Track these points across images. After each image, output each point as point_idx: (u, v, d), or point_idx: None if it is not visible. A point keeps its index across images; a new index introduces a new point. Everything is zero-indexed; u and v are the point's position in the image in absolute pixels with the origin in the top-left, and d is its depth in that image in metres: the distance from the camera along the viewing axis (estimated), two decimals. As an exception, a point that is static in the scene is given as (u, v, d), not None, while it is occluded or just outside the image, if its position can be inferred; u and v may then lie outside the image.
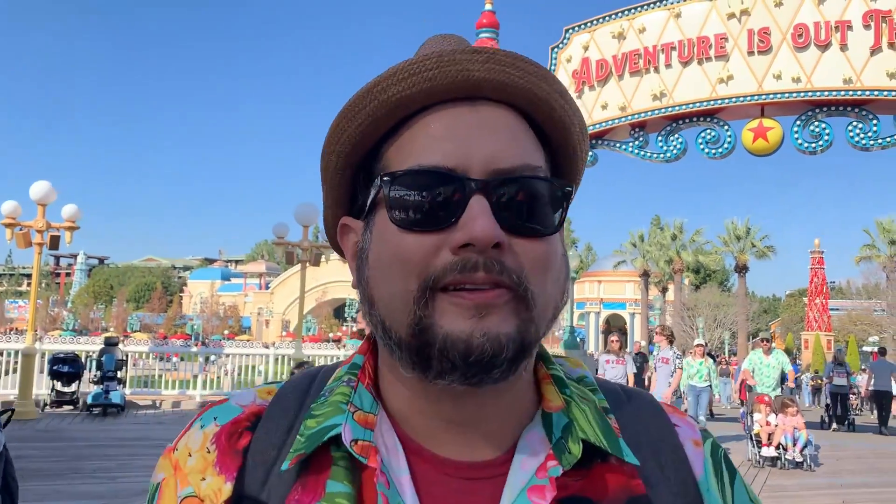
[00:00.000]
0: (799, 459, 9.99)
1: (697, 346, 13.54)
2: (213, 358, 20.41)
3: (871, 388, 17.65)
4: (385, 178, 0.64)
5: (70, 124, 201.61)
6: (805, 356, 48.17)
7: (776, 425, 10.39)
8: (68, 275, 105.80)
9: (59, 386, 13.91)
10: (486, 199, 0.61)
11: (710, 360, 13.19)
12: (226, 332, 67.19)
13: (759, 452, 10.33)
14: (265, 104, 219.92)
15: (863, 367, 31.90)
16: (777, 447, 10.17)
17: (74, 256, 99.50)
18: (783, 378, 12.97)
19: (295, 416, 0.68)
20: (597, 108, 13.11)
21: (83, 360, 14.77)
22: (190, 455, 0.68)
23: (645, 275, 51.24)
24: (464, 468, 0.66)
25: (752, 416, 10.90)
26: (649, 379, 18.39)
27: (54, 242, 13.24)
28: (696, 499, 0.69)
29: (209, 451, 0.67)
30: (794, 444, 10.06)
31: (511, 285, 0.60)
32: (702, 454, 0.73)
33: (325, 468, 0.64)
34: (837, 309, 57.23)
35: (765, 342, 12.99)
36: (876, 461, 11.37)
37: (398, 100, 0.65)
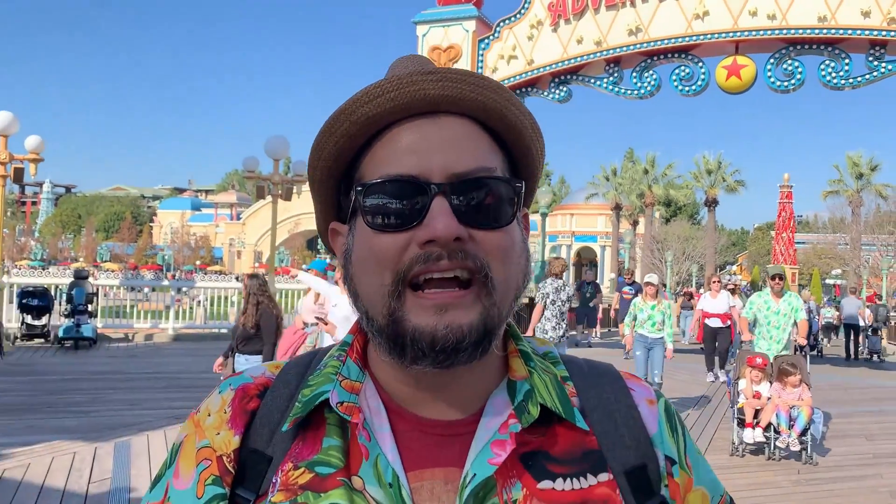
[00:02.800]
0: (795, 448, 7.22)
1: (647, 284, 9.82)
2: (184, 288, 20.36)
3: (844, 320, 19.97)
4: (359, 189, 0.74)
5: (34, 52, 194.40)
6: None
7: (768, 398, 7.60)
8: (34, 203, 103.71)
9: (29, 319, 13.85)
10: (446, 200, 0.70)
11: (666, 303, 9.88)
12: (197, 262, 66.78)
13: (740, 435, 7.49)
14: (237, 31, 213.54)
15: (827, 300, 32.83)
16: (767, 429, 7.37)
17: (40, 185, 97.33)
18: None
19: (296, 386, 0.79)
20: (572, 42, 12.95)
21: (53, 293, 14.68)
22: (209, 415, 0.80)
23: (617, 208, 51.55)
24: (439, 426, 0.76)
25: (738, 384, 7.98)
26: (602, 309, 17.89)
27: (18, 175, 12.95)
28: (648, 451, 0.79)
29: (226, 412, 0.79)
30: (791, 427, 7.25)
31: (474, 269, 0.70)
32: (656, 412, 0.83)
33: (321, 427, 0.76)
34: (803, 242, 58.28)
35: (776, 280, 8.92)
36: (831, 393, 11.81)
37: (367, 119, 0.74)
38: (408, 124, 0.74)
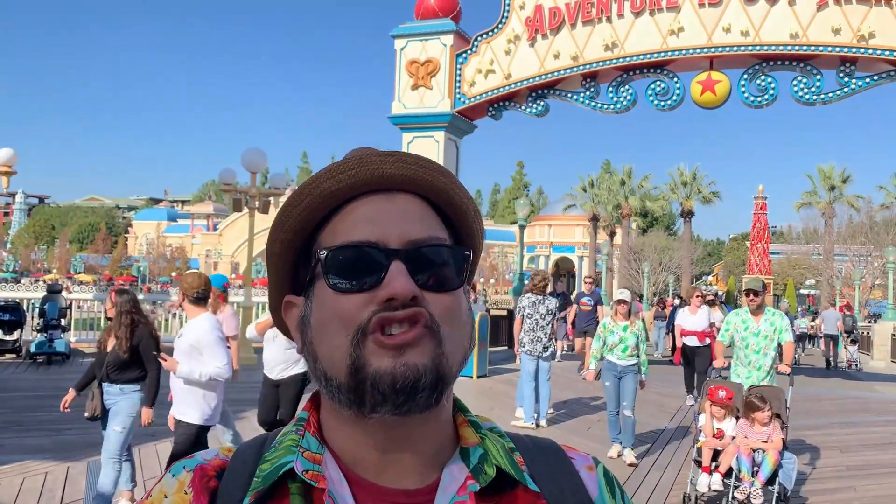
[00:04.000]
0: (757, 500, 5.92)
1: (619, 302, 8.16)
2: (159, 301, 20.12)
3: (823, 332, 21.42)
4: (323, 255, 0.78)
5: (6, 61, 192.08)
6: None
7: (733, 438, 6.31)
8: (6, 214, 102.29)
9: (0, 334, 13.62)
10: (402, 264, 0.76)
11: (640, 324, 8.18)
12: (173, 273, 66.14)
13: (694, 481, 6.30)
14: (214, 42, 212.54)
15: (801, 311, 33.35)
16: (728, 474, 6.14)
17: (13, 196, 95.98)
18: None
19: (253, 464, 0.80)
20: (549, 57, 13.05)
21: (25, 307, 14.46)
22: (166, 497, 0.79)
23: (594, 219, 51.88)
24: (400, 494, 0.78)
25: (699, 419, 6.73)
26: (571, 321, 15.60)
27: (-10, 187, 12.76)
28: None
29: (186, 493, 0.79)
30: (755, 475, 6.02)
31: (427, 322, 0.75)
32: (595, 477, 0.87)
33: (284, 499, 0.76)
34: (778, 253, 59.01)
35: (751, 296, 7.27)
36: (805, 404, 11.93)
37: (329, 193, 0.80)
38: (366, 199, 0.81)
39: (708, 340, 11.41)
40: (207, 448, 4.80)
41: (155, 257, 71.06)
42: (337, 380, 0.76)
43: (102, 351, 5.79)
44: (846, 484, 7.12)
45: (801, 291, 56.73)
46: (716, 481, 6.15)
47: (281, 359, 6.68)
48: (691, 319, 11.86)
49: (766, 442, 6.18)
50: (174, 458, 5.20)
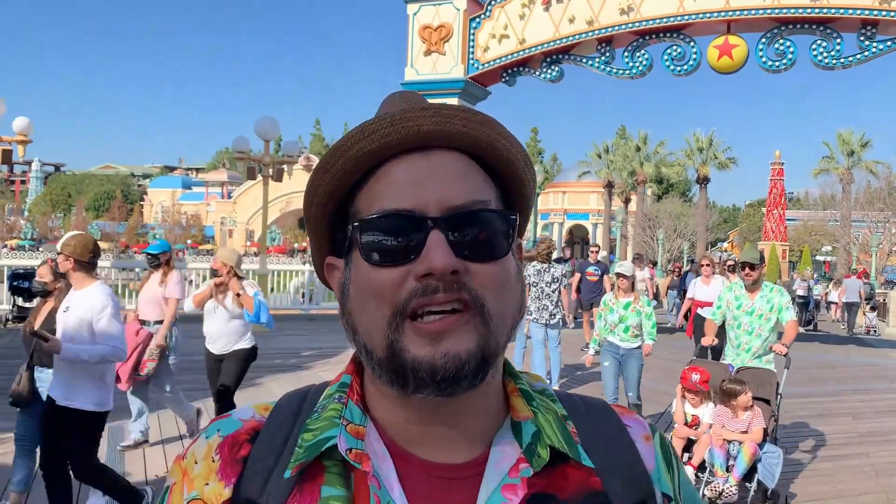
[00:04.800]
0: (731, 497, 5.28)
1: (619, 276, 7.38)
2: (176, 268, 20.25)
3: (844, 300, 21.86)
4: (355, 225, 0.75)
5: (22, 32, 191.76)
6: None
7: (709, 426, 5.70)
8: (23, 182, 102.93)
9: (20, 302, 13.80)
10: (441, 234, 0.71)
11: (645, 300, 7.36)
12: (189, 241, 66.59)
13: None
14: (227, 8, 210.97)
15: (816, 277, 33.30)
16: (701, 468, 5.56)
17: (29, 164, 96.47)
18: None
19: (290, 429, 0.78)
20: (564, 21, 12.88)
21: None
22: (196, 462, 0.78)
23: (609, 186, 51.56)
24: (445, 469, 0.76)
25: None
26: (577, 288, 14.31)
27: (6, 156, 12.87)
28: (647, 488, 0.79)
29: (213, 460, 0.78)
30: (729, 469, 5.41)
31: (469, 301, 0.71)
32: (653, 448, 0.83)
33: (318, 476, 0.74)
34: (794, 219, 58.50)
35: (746, 269, 6.44)
36: (819, 371, 11.95)
37: (361, 155, 0.75)
38: (402, 160, 0.75)
39: None
40: (98, 438, 4.40)
41: (170, 225, 71.43)
42: (377, 356, 0.73)
43: (31, 330, 4.75)
44: (858, 451, 7.15)
45: (818, 258, 56.30)
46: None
47: (224, 331, 6.19)
48: (704, 290, 11.05)
49: (744, 433, 5.43)
50: (70, 454, 4.46)
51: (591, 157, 53.83)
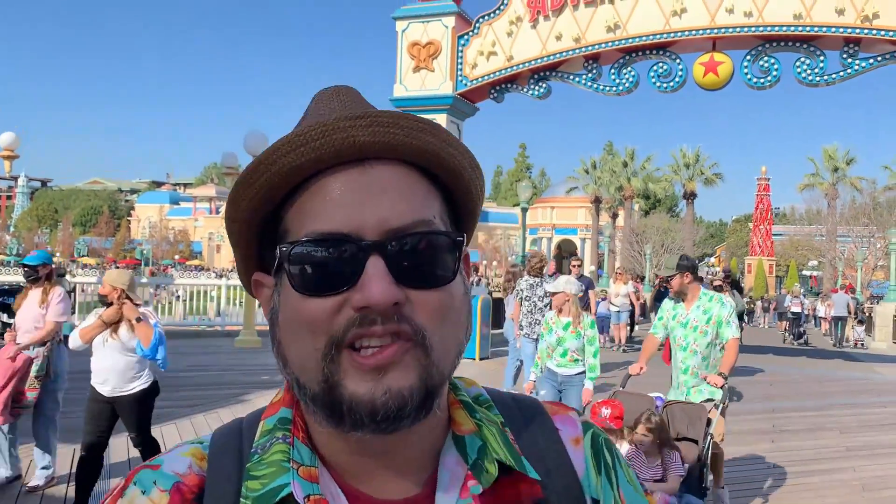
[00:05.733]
0: None
1: (556, 295, 6.49)
2: (162, 284, 20.21)
3: (832, 315, 23.06)
4: (283, 249, 0.67)
5: (8, 45, 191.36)
6: (748, 280, 49.81)
7: None
8: (9, 198, 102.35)
9: (5, 318, 13.67)
10: (381, 259, 0.64)
11: (588, 321, 6.36)
12: (176, 256, 66.32)
13: None
14: (216, 23, 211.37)
15: (804, 291, 33.70)
16: None
17: (15, 179, 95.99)
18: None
19: (238, 480, 0.70)
20: (551, 38, 13.00)
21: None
22: None
23: (596, 201, 51.80)
24: None
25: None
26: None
27: (-7, 172, 12.79)
28: (579, 496, 0.76)
29: None
30: None
31: (410, 335, 0.64)
32: (582, 452, 0.79)
33: None
34: (781, 234, 58.99)
35: (681, 276, 5.58)
36: (807, 385, 12.00)
37: (289, 169, 0.67)
38: (336, 174, 0.67)
39: None
40: None
41: (158, 240, 71.15)
42: (311, 390, 0.66)
43: None
44: (846, 465, 7.17)
45: (804, 273, 56.69)
46: None
47: (116, 368, 5.15)
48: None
49: (658, 481, 4.69)
50: None
51: (578, 173, 54.10)
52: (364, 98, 0.77)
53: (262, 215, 0.71)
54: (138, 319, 5.11)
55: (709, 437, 5.01)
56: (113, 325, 5.14)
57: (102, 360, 5.18)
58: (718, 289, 11.66)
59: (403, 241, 0.66)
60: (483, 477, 0.70)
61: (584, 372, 6.27)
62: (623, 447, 4.79)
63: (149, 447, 5.35)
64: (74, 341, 5.25)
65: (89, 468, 5.14)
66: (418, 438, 0.71)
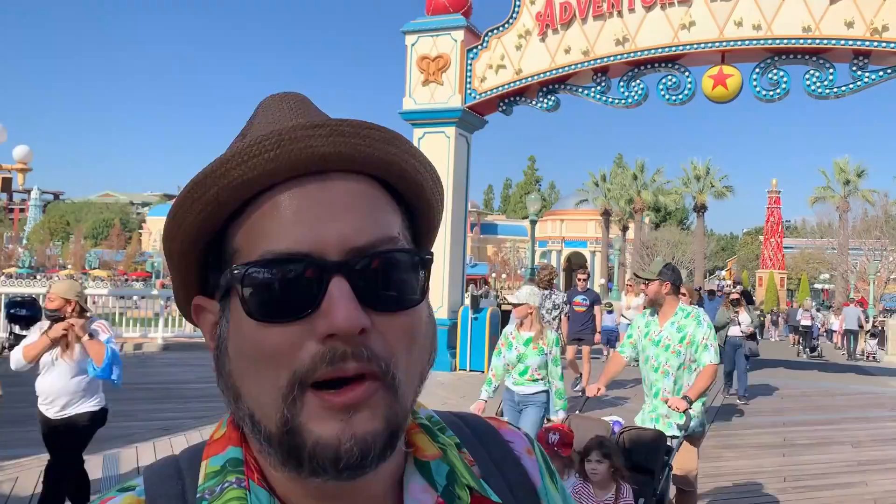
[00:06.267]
0: None
1: (519, 306, 5.83)
2: (172, 297, 20.24)
3: (844, 328, 23.83)
4: (236, 271, 0.61)
5: (22, 60, 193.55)
6: (759, 293, 49.56)
7: None
8: (22, 210, 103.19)
9: (17, 329, 13.74)
10: (346, 281, 0.59)
11: (553, 337, 5.79)
12: (187, 269, 66.39)
13: None
14: (226, 37, 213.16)
15: (828, 305, 33.70)
16: None
17: (28, 192, 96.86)
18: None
19: None
20: (560, 51, 13.04)
21: (41, 302, 14.61)
22: None
23: (606, 213, 51.78)
24: None
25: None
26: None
27: (6, 184, 12.94)
28: None
29: None
30: None
31: (378, 374, 0.59)
32: (535, 461, 0.77)
33: None
34: (792, 247, 58.71)
35: (648, 286, 5.19)
36: (818, 399, 11.92)
37: (241, 183, 0.61)
38: (292, 188, 0.61)
39: None
40: None
41: (168, 253, 71.35)
42: (267, 430, 0.60)
43: None
44: (858, 479, 7.11)
45: (816, 286, 56.37)
46: None
47: (65, 389, 4.76)
48: None
49: None
50: None
51: (588, 186, 54.11)
52: (315, 105, 0.71)
53: (207, 234, 0.64)
54: (90, 335, 4.62)
55: (666, 470, 4.52)
56: (60, 342, 4.67)
57: (50, 379, 4.75)
58: (735, 303, 11.44)
59: (368, 261, 0.60)
60: None
61: (544, 391, 5.72)
62: (569, 480, 4.26)
63: (76, 480, 4.93)
64: (17, 361, 4.80)
65: (55, 476, 4.83)
66: (380, 473, 0.64)
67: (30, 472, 6.27)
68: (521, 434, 0.79)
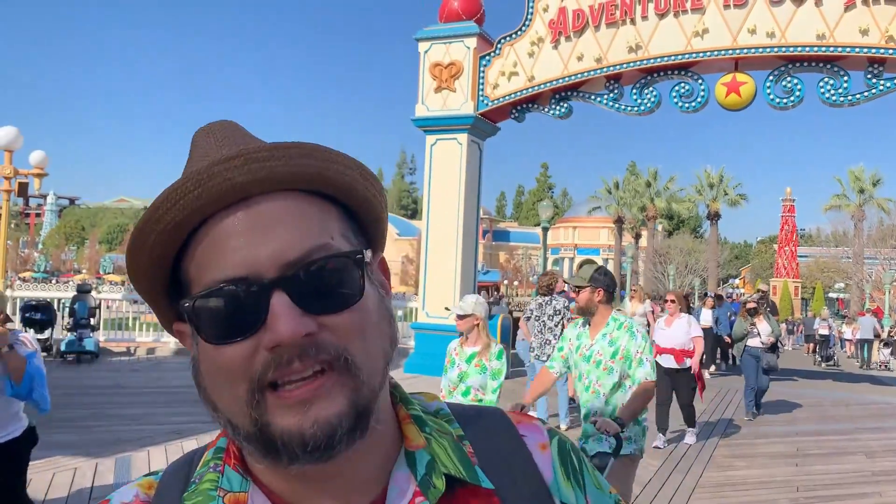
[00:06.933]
0: None
1: (462, 318, 5.06)
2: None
3: (857, 338, 24.65)
4: (186, 305, 0.67)
5: (38, 66, 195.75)
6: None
7: None
8: (38, 215, 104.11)
9: (31, 333, 13.89)
10: (285, 294, 0.64)
11: (496, 350, 5.00)
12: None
13: None
14: (240, 42, 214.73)
15: (842, 315, 33.62)
16: None
17: (44, 197, 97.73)
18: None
19: None
20: (572, 59, 13.05)
21: (56, 306, 14.74)
22: None
23: (619, 221, 51.66)
24: None
25: None
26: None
27: (22, 189, 13.05)
28: (547, 501, 0.76)
29: None
30: None
31: (331, 360, 0.64)
32: (549, 457, 0.79)
33: None
34: (806, 256, 58.29)
35: (597, 293, 4.56)
36: (832, 409, 11.82)
37: (174, 225, 0.67)
38: (222, 219, 0.67)
39: (688, 361, 8.65)
40: None
41: (182, 258, 71.86)
42: (244, 431, 0.66)
43: None
44: (871, 489, 7.04)
45: (830, 295, 55.93)
46: None
47: None
48: (664, 333, 8.79)
49: None
50: None
51: (601, 193, 54.01)
52: (241, 128, 0.75)
53: (162, 271, 0.71)
54: (10, 347, 3.92)
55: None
56: None
57: None
58: (753, 311, 10.66)
59: (303, 272, 0.65)
60: (430, 493, 0.70)
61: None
62: None
63: None
64: None
65: None
66: (363, 458, 0.70)
67: (41, 474, 6.31)
68: (540, 430, 0.81)
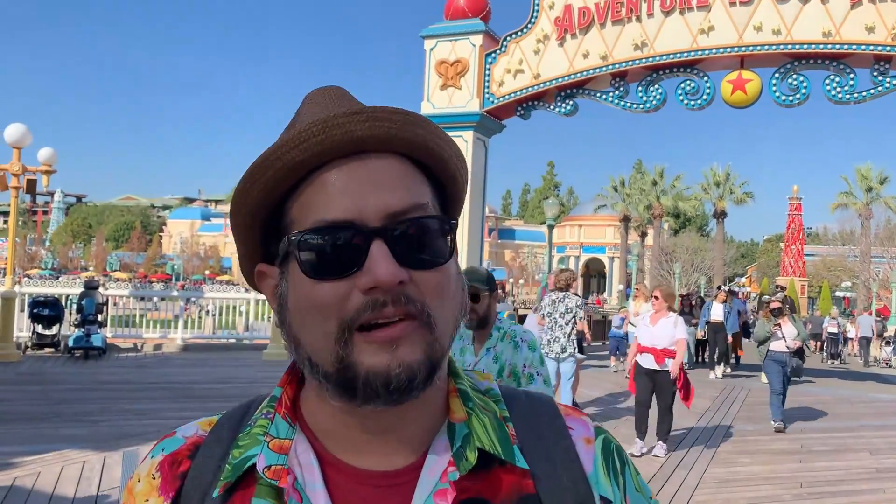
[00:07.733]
0: None
1: None
2: (193, 298, 20.49)
3: (859, 336, 25.23)
4: (292, 238, 0.72)
5: (47, 63, 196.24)
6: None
7: None
8: (45, 213, 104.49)
9: (39, 329, 13.96)
10: (384, 243, 0.69)
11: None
12: (206, 272, 67.12)
13: None
14: (250, 41, 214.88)
15: (849, 314, 33.68)
16: None
17: (51, 194, 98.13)
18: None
19: (228, 444, 0.78)
20: (578, 56, 13.06)
21: (64, 302, 14.82)
22: (139, 481, 0.79)
23: (625, 219, 51.59)
24: (378, 477, 0.74)
25: None
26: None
27: (31, 186, 13.12)
28: (584, 492, 0.77)
29: (154, 478, 0.78)
30: None
31: (416, 314, 0.69)
32: (592, 451, 0.81)
33: (250, 487, 0.73)
34: (813, 255, 58.07)
35: (495, 297, 3.98)
36: (836, 406, 11.81)
37: (295, 164, 0.72)
38: (337, 167, 0.72)
39: (669, 362, 7.89)
40: None
41: (189, 256, 72.09)
42: (324, 368, 0.71)
43: None
44: (875, 486, 7.05)
45: (837, 293, 55.74)
46: None
47: None
48: (648, 331, 8.10)
49: None
50: None
51: (607, 191, 53.95)
52: (352, 96, 0.81)
53: (266, 209, 0.75)
54: None
55: None
56: None
57: None
58: (777, 312, 9.74)
59: (403, 225, 0.70)
60: (461, 464, 0.73)
61: None
62: None
63: None
64: None
65: None
66: (415, 421, 0.75)
67: (50, 467, 6.38)
68: (588, 426, 0.83)
